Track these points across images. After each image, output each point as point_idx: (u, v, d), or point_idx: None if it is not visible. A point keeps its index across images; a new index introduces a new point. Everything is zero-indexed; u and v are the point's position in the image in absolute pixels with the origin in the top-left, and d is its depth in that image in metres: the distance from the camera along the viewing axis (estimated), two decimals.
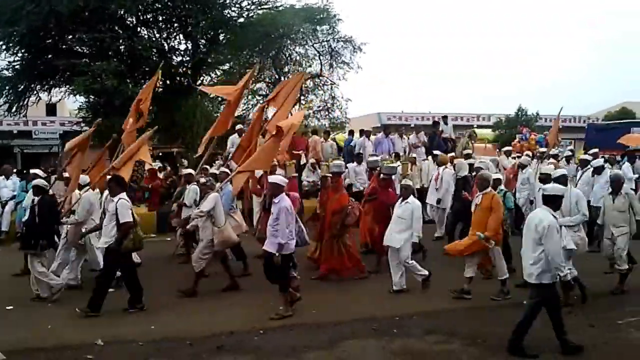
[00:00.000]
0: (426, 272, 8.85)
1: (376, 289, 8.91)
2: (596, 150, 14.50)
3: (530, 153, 16.32)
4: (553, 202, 6.25)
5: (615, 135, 17.82)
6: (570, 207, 8.14)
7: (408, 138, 17.10)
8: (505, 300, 8.19)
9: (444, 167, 12.81)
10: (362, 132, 16.95)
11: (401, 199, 8.93)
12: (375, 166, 11.14)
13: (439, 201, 12.65)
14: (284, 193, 7.73)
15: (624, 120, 26.81)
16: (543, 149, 15.71)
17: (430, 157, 15.05)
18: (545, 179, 9.06)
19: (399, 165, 11.97)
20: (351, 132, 18.49)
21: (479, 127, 29.89)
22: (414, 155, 15.58)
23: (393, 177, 10.86)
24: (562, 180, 8.13)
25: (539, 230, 6.04)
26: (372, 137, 17.11)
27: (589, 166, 12.32)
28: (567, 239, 7.69)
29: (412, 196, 8.90)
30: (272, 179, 7.95)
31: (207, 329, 7.22)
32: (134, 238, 7.93)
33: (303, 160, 15.45)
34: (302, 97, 20.33)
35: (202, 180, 9.45)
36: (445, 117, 19.08)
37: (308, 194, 14.42)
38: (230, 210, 9.99)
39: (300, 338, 6.89)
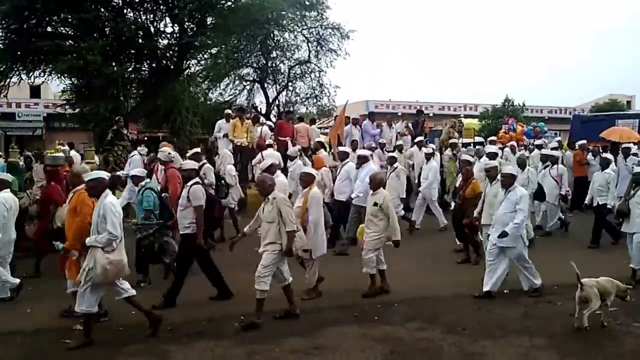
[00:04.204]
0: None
1: (358, 277, 8.86)
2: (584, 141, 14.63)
3: (515, 143, 16.44)
4: None
5: (600, 127, 17.93)
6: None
7: (395, 126, 17.06)
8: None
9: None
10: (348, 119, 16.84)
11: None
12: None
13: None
14: None
15: (610, 112, 26.98)
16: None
17: (415, 146, 15.09)
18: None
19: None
20: None
21: (466, 116, 29.93)
22: (401, 142, 15.55)
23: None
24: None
25: None
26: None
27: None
28: None
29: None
30: None
31: (187, 315, 7.20)
32: None
33: (290, 147, 15.33)
34: None
35: None
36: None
37: None
38: None
39: (281, 324, 6.88)
